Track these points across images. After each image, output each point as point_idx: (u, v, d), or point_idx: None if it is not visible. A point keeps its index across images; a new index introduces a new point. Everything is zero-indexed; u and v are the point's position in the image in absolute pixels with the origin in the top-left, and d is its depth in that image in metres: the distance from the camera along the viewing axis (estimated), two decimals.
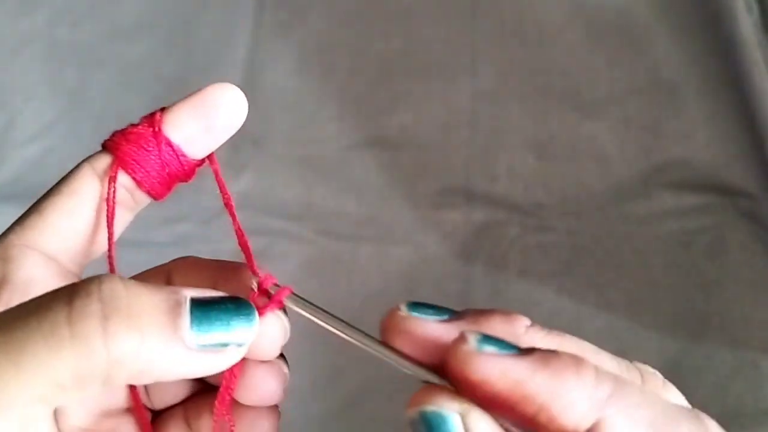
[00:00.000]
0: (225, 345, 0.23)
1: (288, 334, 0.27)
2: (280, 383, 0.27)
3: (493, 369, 0.21)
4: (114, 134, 0.29)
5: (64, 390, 0.21)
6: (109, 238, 0.28)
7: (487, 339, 0.21)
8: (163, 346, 0.22)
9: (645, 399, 0.21)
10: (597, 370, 0.21)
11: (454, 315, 0.24)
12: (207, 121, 0.28)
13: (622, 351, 0.62)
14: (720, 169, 0.71)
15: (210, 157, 0.30)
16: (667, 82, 0.75)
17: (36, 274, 0.26)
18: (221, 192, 0.29)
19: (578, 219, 0.71)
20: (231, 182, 0.73)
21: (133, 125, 0.28)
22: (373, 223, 0.73)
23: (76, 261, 0.28)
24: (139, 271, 0.29)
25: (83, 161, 0.28)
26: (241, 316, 0.23)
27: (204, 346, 0.23)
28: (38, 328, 0.21)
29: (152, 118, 0.28)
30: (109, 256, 0.28)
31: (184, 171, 0.29)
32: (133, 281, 0.22)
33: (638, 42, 0.77)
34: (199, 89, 0.29)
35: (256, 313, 0.24)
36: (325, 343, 0.69)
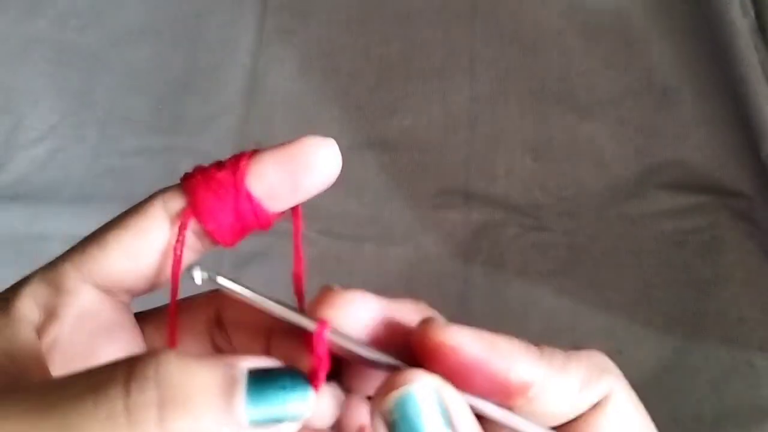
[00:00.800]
0: (280, 421, 0.22)
1: (343, 406, 0.27)
2: None
3: (465, 333, 0.23)
4: (195, 173, 0.27)
5: None
6: (173, 291, 0.27)
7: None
8: (216, 426, 0.21)
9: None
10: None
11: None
12: (296, 177, 0.27)
13: (618, 350, 0.63)
14: (715, 170, 0.72)
15: (295, 210, 0.28)
16: (662, 84, 0.75)
17: (89, 309, 0.26)
18: (295, 257, 0.28)
19: (575, 219, 0.71)
20: None
21: (216, 167, 0.26)
22: (373, 223, 0.73)
23: (131, 295, 0.28)
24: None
25: (157, 193, 0.27)
26: (298, 391, 0.22)
27: (258, 422, 0.22)
28: (94, 414, 0.20)
29: (237, 164, 0.26)
30: (172, 310, 0.27)
31: (260, 224, 0.28)
32: (188, 358, 0.21)
33: (634, 44, 0.77)
34: (293, 141, 0.27)
35: (312, 388, 0.23)
36: None
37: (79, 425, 0.20)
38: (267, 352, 0.28)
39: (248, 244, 0.82)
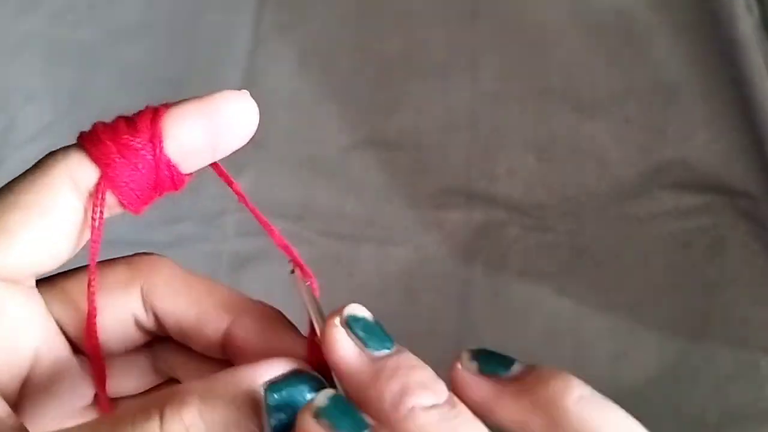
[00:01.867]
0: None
1: None
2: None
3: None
4: (102, 136, 0.24)
5: None
6: (91, 276, 0.25)
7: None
8: None
9: None
10: None
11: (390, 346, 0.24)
12: (213, 136, 0.25)
13: (622, 352, 0.62)
14: (720, 170, 0.71)
15: (216, 167, 0.26)
16: (667, 82, 0.75)
17: (2, 305, 0.25)
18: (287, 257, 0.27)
19: (578, 219, 0.71)
20: None
21: (127, 128, 0.24)
22: (373, 223, 0.72)
23: (35, 277, 0.26)
24: None
25: (57, 160, 0.25)
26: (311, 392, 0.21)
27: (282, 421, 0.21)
28: None
29: (152, 128, 0.24)
30: (90, 294, 0.26)
31: (174, 188, 0.26)
32: (209, 405, 0.20)
33: (638, 42, 0.76)
34: (206, 97, 0.25)
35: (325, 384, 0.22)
36: None
37: None
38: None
39: (247, 244, 0.81)
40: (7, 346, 0.25)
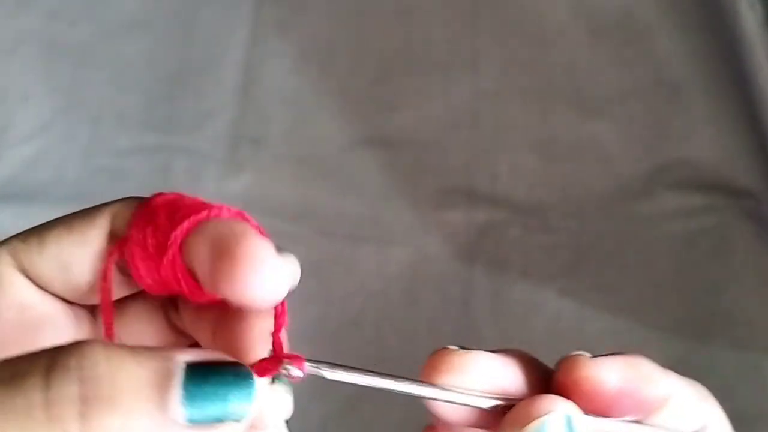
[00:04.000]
0: (220, 420, 0.20)
1: (291, 409, 0.24)
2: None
3: (613, 364, 0.24)
4: (153, 210, 0.23)
5: None
6: (103, 297, 0.24)
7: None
8: (148, 425, 0.19)
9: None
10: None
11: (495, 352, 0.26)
12: (219, 270, 0.22)
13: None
14: (724, 169, 0.71)
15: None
16: (670, 81, 0.74)
17: (25, 301, 0.25)
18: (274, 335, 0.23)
19: (581, 219, 0.71)
20: (229, 182, 0.73)
21: (165, 220, 0.23)
22: (373, 223, 0.72)
23: (67, 296, 0.26)
24: None
25: (115, 202, 0.25)
26: (241, 388, 0.21)
27: (196, 421, 0.20)
28: (12, 407, 0.18)
29: (177, 234, 0.23)
30: (105, 315, 0.25)
31: (191, 298, 0.24)
32: (117, 349, 0.20)
33: (641, 40, 0.76)
34: (241, 243, 0.21)
35: (257, 386, 0.21)
36: (323, 347, 0.68)
37: None
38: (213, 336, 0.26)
39: None
40: (27, 344, 0.23)
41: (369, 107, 0.76)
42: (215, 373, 0.20)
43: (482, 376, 0.24)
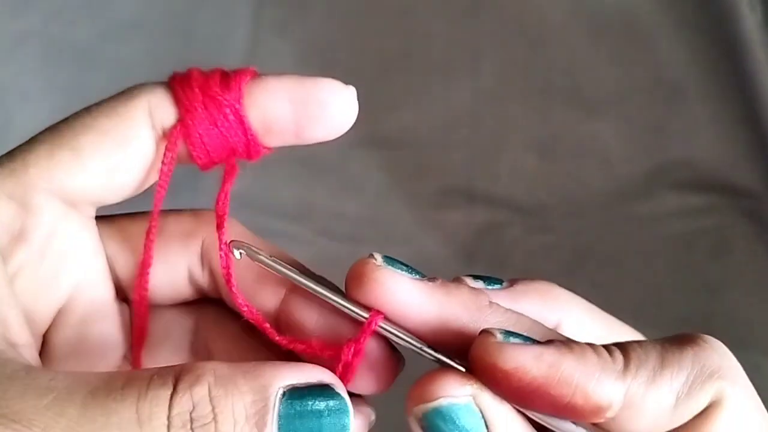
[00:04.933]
0: None
1: (372, 423, 0.25)
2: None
3: (527, 355, 0.21)
4: (193, 84, 0.23)
5: None
6: (152, 222, 0.24)
7: (510, 333, 0.22)
8: None
9: (652, 356, 0.22)
10: (607, 347, 0.22)
11: (425, 277, 0.24)
12: (303, 119, 0.24)
13: None
14: (723, 169, 0.71)
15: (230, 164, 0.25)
16: (670, 81, 0.74)
17: (55, 229, 0.24)
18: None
19: (580, 219, 0.71)
20: None
21: (219, 86, 0.23)
22: (373, 223, 0.72)
23: (95, 207, 0.25)
24: None
25: (141, 93, 0.24)
26: (336, 417, 0.21)
27: None
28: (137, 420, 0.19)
29: (239, 86, 0.23)
30: (148, 241, 0.25)
31: (247, 157, 0.25)
32: (225, 377, 0.20)
33: (641, 41, 0.76)
34: (308, 78, 0.24)
35: (351, 411, 0.21)
36: None
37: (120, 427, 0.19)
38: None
39: None
40: (49, 270, 0.24)
41: (369, 107, 0.75)
42: (311, 399, 0.21)
43: (394, 300, 0.23)
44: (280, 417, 0.20)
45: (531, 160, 0.73)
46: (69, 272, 0.25)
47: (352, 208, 0.72)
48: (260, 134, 0.24)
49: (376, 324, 0.22)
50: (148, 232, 0.25)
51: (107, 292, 0.26)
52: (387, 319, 0.23)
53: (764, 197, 0.69)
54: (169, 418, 0.19)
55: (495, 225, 0.71)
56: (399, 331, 0.23)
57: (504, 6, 0.78)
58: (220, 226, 0.24)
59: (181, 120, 0.23)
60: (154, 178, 0.25)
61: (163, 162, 0.24)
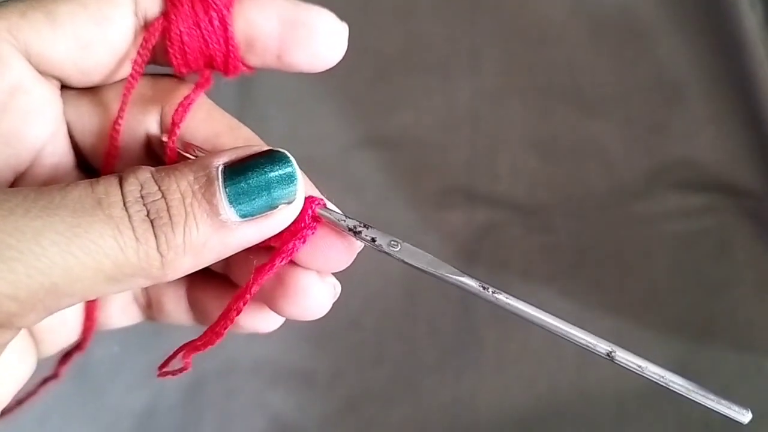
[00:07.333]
0: (272, 207, 0.22)
1: (337, 294, 0.27)
2: (350, 254, 0.27)
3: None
4: None
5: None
6: (116, 121, 0.24)
7: None
8: (209, 234, 0.21)
9: None
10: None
11: None
12: (289, 41, 0.24)
13: None
14: (725, 169, 0.71)
15: (203, 75, 0.25)
16: (671, 80, 0.74)
17: (23, 86, 0.23)
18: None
19: (581, 219, 0.71)
20: None
21: None
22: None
23: (61, 83, 0.25)
24: None
25: None
26: (280, 168, 0.22)
27: (249, 214, 0.21)
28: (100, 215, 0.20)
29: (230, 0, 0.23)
30: (115, 127, 0.24)
31: (225, 70, 0.25)
32: (161, 172, 0.21)
33: (642, 40, 0.76)
34: (302, 3, 0.24)
35: (296, 165, 0.22)
36: (323, 347, 0.68)
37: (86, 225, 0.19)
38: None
39: None
40: (11, 127, 0.23)
41: (368, 107, 0.75)
42: (252, 166, 0.21)
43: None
44: (225, 183, 0.21)
45: (531, 160, 0.73)
46: (32, 134, 0.24)
47: (351, 207, 0.72)
48: (242, 48, 0.24)
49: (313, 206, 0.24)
50: (117, 117, 0.25)
51: (69, 161, 0.26)
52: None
53: (765, 197, 0.69)
54: (122, 195, 0.20)
55: (495, 224, 0.71)
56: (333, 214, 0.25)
57: (504, 6, 0.78)
58: (172, 133, 0.24)
59: (165, 14, 0.23)
60: (126, 71, 0.24)
61: (138, 53, 0.23)
